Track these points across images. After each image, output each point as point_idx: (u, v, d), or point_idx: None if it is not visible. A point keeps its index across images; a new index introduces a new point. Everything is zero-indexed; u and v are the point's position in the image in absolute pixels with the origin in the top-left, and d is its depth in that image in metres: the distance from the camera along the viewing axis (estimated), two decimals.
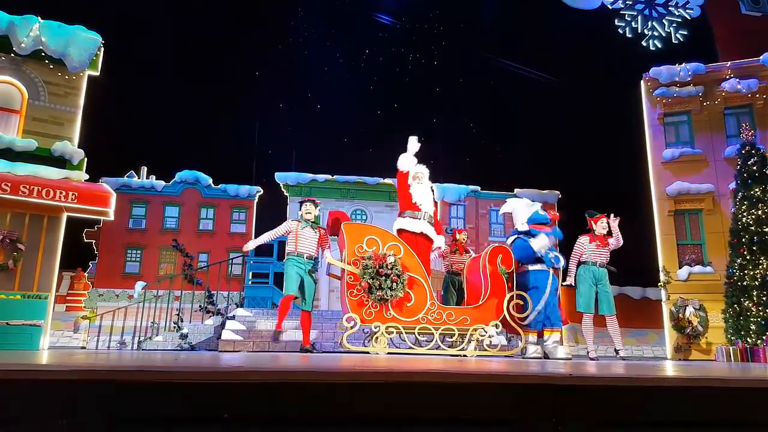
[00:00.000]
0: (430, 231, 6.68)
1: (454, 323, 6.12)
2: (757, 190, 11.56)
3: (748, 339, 10.86)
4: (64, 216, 9.96)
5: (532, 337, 6.51)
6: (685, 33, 16.31)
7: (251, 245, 6.95)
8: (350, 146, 22.50)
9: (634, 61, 15.76)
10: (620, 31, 16.43)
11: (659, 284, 13.94)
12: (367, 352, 5.97)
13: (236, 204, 20.97)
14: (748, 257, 11.24)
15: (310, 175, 20.69)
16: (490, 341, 6.23)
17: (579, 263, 7.09)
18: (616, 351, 7.13)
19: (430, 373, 1.59)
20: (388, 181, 20.70)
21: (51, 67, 10.26)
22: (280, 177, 20.60)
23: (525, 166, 20.99)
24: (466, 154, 22.06)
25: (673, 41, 16.24)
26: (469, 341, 6.15)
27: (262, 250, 10.69)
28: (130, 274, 19.30)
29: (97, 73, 10.81)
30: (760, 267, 11.07)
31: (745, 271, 11.21)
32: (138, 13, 18.64)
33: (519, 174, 20.80)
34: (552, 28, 18.03)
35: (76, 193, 9.57)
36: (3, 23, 9.82)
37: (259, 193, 21.09)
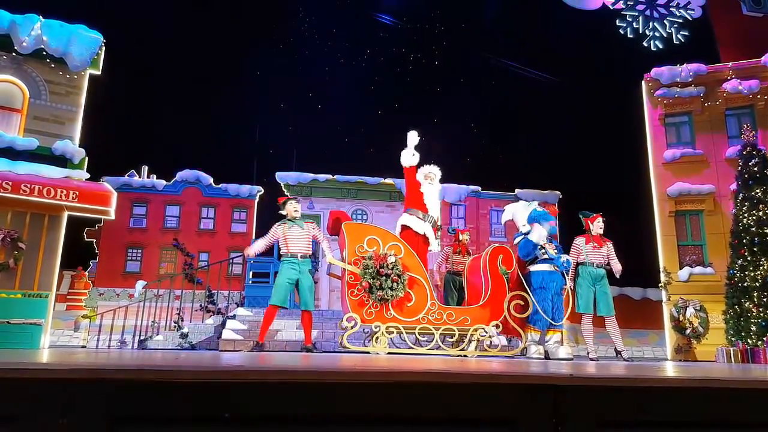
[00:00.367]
0: (431, 235, 6.70)
1: (454, 323, 6.12)
2: (758, 191, 11.55)
3: (749, 340, 10.86)
4: (65, 215, 9.97)
5: (533, 336, 6.51)
6: (687, 33, 16.30)
7: (251, 252, 6.83)
8: (351, 146, 22.53)
9: (635, 61, 15.76)
10: (621, 31, 16.42)
11: (660, 285, 13.94)
12: (368, 352, 5.97)
13: (237, 203, 20.98)
14: (748, 258, 11.23)
15: (311, 175, 20.70)
16: (491, 341, 6.23)
17: (577, 264, 7.09)
18: (617, 352, 7.11)
19: (431, 373, 1.59)
20: (388, 181, 20.72)
21: (52, 66, 10.27)
22: (281, 177, 20.62)
23: (526, 166, 21.00)
24: (466, 154, 22.06)
25: (675, 42, 16.22)
26: (470, 341, 6.15)
27: (263, 251, 10.68)
28: (130, 273, 19.31)
29: (99, 73, 10.82)
30: (761, 268, 11.06)
31: (746, 272, 11.20)
32: (139, 12, 18.65)
33: (519, 174, 20.81)
34: (553, 29, 18.02)
35: (77, 192, 9.57)
36: (4, 22, 9.83)
37: (260, 193, 21.11)
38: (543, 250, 6.53)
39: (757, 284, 11.00)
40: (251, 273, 10.78)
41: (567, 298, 6.75)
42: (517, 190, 21.04)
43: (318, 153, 21.69)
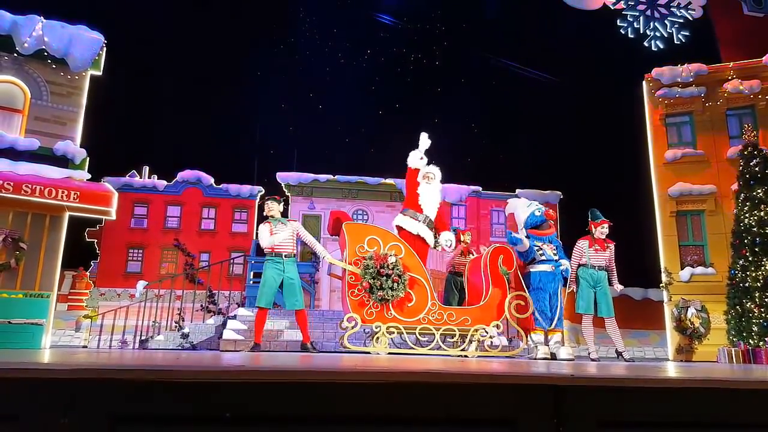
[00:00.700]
0: (427, 235, 6.67)
1: (455, 324, 6.12)
2: (759, 191, 11.53)
3: (750, 341, 10.84)
4: (66, 215, 9.98)
5: (537, 337, 6.49)
6: (687, 34, 16.28)
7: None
8: (351, 146, 22.55)
9: (635, 61, 15.75)
10: (622, 31, 16.41)
11: (661, 285, 13.92)
12: (368, 353, 5.97)
13: (238, 204, 20.98)
14: (750, 258, 11.22)
15: (312, 175, 20.70)
16: (491, 342, 6.23)
17: (578, 266, 7.10)
18: (618, 353, 7.12)
19: (431, 373, 1.59)
20: (389, 181, 20.71)
21: (54, 66, 10.28)
22: (281, 177, 20.62)
23: (526, 166, 20.99)
24: (467, 154, 22.06)
25: (675, 42, 16.20)
26: (470, 342, 6.15)
27: (263, 250, 10.69)
28: (131, 273, 19.32)
29: (100, 73, 10.83)
30: (763, 268, 11.04)
31: (747, 273, 11.18)
32: (140, 13, 18.67)
33: (520, 174, 20.80)
34: (553, 29, 18.02)
35: (78, 193, 9.58)
36: (6, 23, 9.84)
37: (261, 193, 21.11)
38: (540, 251, 6.54)
39: (759, 284, 10.99)
40: (252, 273, 10.78)
41: (567, 300, 6.76)
42: (517, 191, 21.00)
43: (319, 153, 21.72)
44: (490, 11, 20.22)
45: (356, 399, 1.47)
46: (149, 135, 21.52)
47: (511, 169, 21.31)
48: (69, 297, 17.79)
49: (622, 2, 16.46)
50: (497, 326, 6.23)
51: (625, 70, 15.70)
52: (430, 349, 6.07)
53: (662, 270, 13.91)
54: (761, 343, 10.66)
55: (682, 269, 13.75)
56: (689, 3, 16.29)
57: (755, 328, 10.85)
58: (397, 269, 5.93)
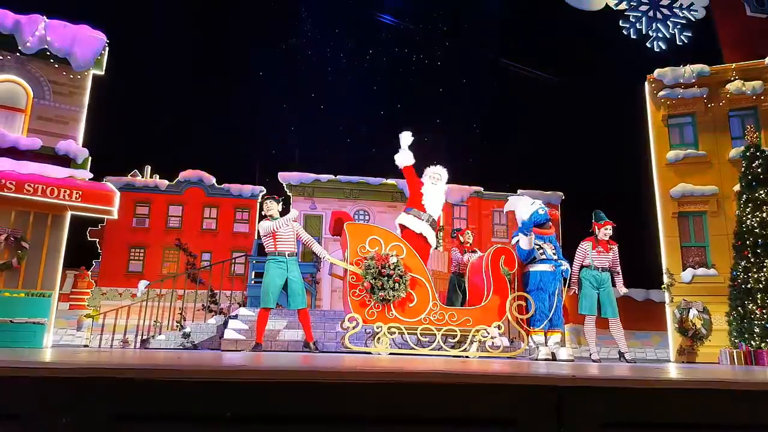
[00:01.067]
0: (429, 235, 6.67)
1: (456, 324, 6.12)
2: (761, 192, 11.51)
3: (752, 342, 10.82)
4: (68, 215, 10.00)
5: (538, 337, 6.49)
6: (690, 34, 16.26)
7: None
8: (353, 146, 22.53)
9: (638, 62, 15.73)
10: (624, 32, 16.39)
11: (663, 286, 13.91)
12: (370, 353, 5.96)
13: (239, 204, 20.99)
14: (752, 260, 11.19)
15: (313, 175, 20.70)
16: (493, 342, 6.22)
17: (581, 267, 7.10)
18: (621, 354, 7.12)
19: (433, 373, 1.59)
20: (391, 181, 20.70)
21: (56, 66, 10.30)
22: (283, 177, 20.63)
23: (528, 167, 20.96)
24: (468, 154, 22.05)
25: (678, 43, 16.18)
26: (472, 342, 6.15)
27: (265, 250, 10.69)
28: (133, 272, 19.33)
29: (102, 73, 10.85)
30: (765, 270, 11.02)
31: (750, 274, 11.16)
32: (142, 12, 18.70)
33: (522, 175, 20.77)
34: (556, 29, 18.00)
35: (81, 192, 9.60)
36: (8, 22, 9.86)
37: (263, 193, 21.11)
38: (541, 250, 6.54)
39: (761, 286, 10.96)
40: (253, 273, 10.78)
41: (566, 301, 6.75)
42: (519, 191, 20.98)
43: (320, 153, 21.71)
44: (491, 12, 20.20)
45: (357, 399, 1.47)
46: (151, 135, 21.54)
47: (512, 170, 21.29)
48: (71, 296, 17.80)
49: (625, 3, 16.44)
50: (498, 327, 6.22)
51: (628, 71, 15.68)
52: (431, 350, 6.07)
53: (664, 271, 13.90)
54: (763, 344, 10.64)
55: (683, 270, 13.73)
56: (692, 4, 16.27)
57: (757, 330, 10.82)
58: (399, 269, 5.93)
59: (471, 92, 23.01)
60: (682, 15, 16.33)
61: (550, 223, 6.82)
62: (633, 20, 16.45)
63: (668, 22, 16.31)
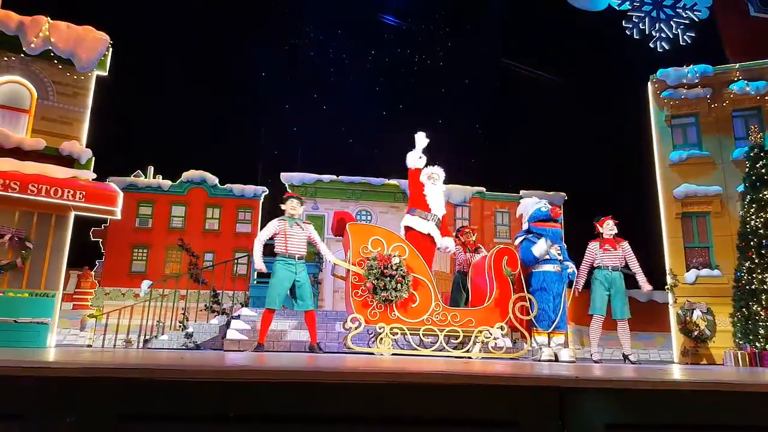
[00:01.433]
0: (436, 234, 6.67)
1: (459, 325, 6.11)
2: (765, 192, 11.47)
3: (757, 343, 10.78)
4: (72, 215, 10.02)
5: (542, 338, 6.47)
6: (693, 35, 16.22)
7: (258, 262, 6.59)
8: (355, 147, 22.53)
9: (641, 62, 15.70)
10: (627, 32, 16.36)
11: (666, 287, 13.86)
12: (372, 353, 5.96)
13: (242, 204, 21.01)
14: (756, 261, 11.15)
15: (315, 176, 20.70)
16: (495, 343, 6.22)
17: (592, 268, 7.10)
18: (625, 357, 7.12)
19: (435, 374, 1.59)
20: (393, 181, 20.70)
21: (60, 67, 10.33)
22: (285, 177, 20.64)
23: (531, 167, 20.93)
24: (471, 155, 22.04)
25: (681, 43, 16.14)
26: (474, 343, 6.14)
27: (268, 250, 10.71)
28: (136, 272, 19.37)
29: (106, 73, 10.88)
30: None
31: (754, 275, 11.12)
32: (146, 13, 18.74)
33: (525, 175, 20.74)
34: (558, 30, 17.98)
35: (84, 192, 9.62)
36: (13, 23, 9.89)
37: (265, 193, 21.14)
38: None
39: (765, 287, 10.92)
40: (256, 273, 10.79)
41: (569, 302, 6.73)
42: (522, 192, 20.97)
43: (322, 153, 21.72)
44: (494, 12, 20.18)
45: (359, 400, 1.47)
46: (154, 135, 21.58)
47: (515, 170, 21.26)
48: (74, 296, 17.85)
49: (627, 3, 16.41)
50: (501, 328, 6.21)
51: (630, 71, 15.65)
52: (433, 351, 6.06)
53: (667, 272, 13.86)
54: (767, 345, 10.60)
55: (687, 271, 13.69)
56: (695, 4, 16.23)
57: (762, 331, 10.78)
58: (401, 270, 5.92)
59: (473, 93, 22.99)
60: (685, 15, 16.29)
61: (555, 222, 6.78)
62: (636, 20, 16.42)
63: (671, 22, 16.28)
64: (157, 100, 20.54)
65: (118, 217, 10.61)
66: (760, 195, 11.49)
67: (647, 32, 16.27)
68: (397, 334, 5.98)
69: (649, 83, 15.16)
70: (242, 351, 7.51)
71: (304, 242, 6.58)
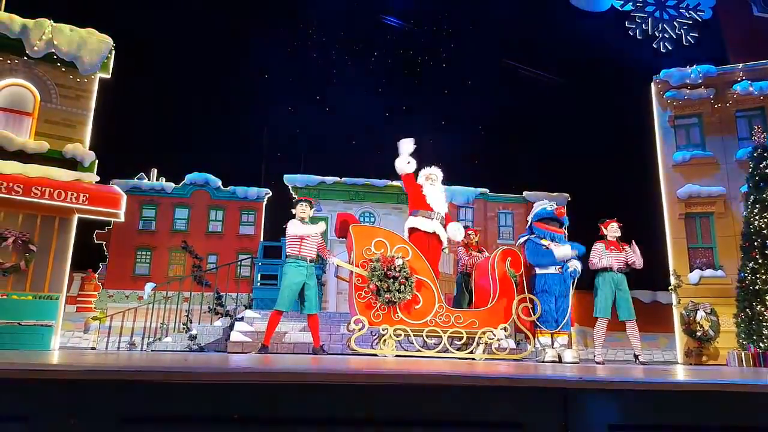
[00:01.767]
0: (441, 232, 6.65)
1: (462, 326, 6.10)
2: None
3: (761, 344, 10.74)
4: (75, 217, 10.05)
5: (545, 340, 6.46)
6: (696, 35, 16.19)
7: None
8: (358, 148, 22.53)
9: (644, 63, 15.68)
10: (630, 33, 16.34)
11: (670, 288, 13.83)
12: (375, 355, 5.96)
13: (245, 206, 21.05)
14: (760, 261, 11.12)
15: (319, 177, 20.73)
16: (499, 344, 6.21)
17: (598, 270, 7.10)
18: (636, 357, 7.12)
19: (439, 375, 1.59)
20: (396, 183, 20.69)
21: (63, 69, 10.37)
22: (288, 179, 20.67)
23: (534, 168, 20.91)
24: (474, 156, 22.03)
25: (684, 43, 16.12)
26: (478, 344, 6.13)
27: (271, 252, 10.73)
28: (139, 275, 19.43)
29: (108, 76, 10.92)
30: None
31: (757, 276, 11.08)
32: (148, 16, 18.80)
33: (528, 177, 20.74)
34: (561, 31, 17.97)
35: (87, 195, 9.65)
36: (16, 27, 9.94)
37: (268, 195, 21.17)
38: (548, 249, 6.50)
39: None
40: (259, 275, 10.80)
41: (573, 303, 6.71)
42: (525, 193, 20.97)
43: (325, 155, 21.75)
44: (497, 13, 20.18)
45: (363, 401, 1.47)
46: (157, 137, 21.65)
47: (518, 172, 21.26)
48: (78, 299, 17.92)
49: (631, 4, 16.39)
50: (504, 329, 6.20)
51: (634, 72, 15.63)
52: (437, 352, 6.06)
53: (671, 273, 13.82)
54: None
55: (691, 272, 13.66)
56: (698, 4, 16.21)
57: (765, 332, 10.74)
58: (404, 271, 5.92)
59: (476, 94, 22.99)
60: (688, 15, 16.27)
61: (560, 222, 6.77)
62: (639, 21, 16.40)
63: (674, 23, 16.25)
64: (160, 103, 20.60)
65: (122, 219, 10.64)
66: (764, 195, 11.46)
67: (650, 32, 16.25)
68: (400, 335, 5.97)
69: (652, 84, 15.14)
70: (246, 353, 7.52)
71: (316, 245, 6.62)
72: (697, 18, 16.27)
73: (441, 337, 6.04)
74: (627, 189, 16.52)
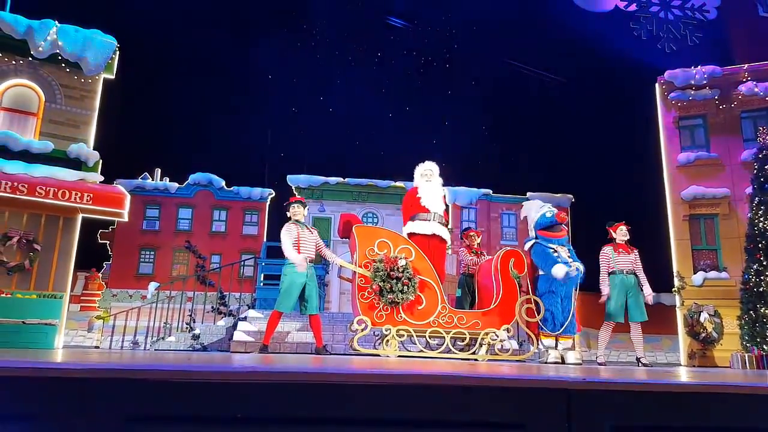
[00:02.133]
0: (442, 231, 6.63)
1: (465, 327, 6.10)
2: None
3: (764, 346, 10.70)
4: (80, 217, 10.09)
5: (548, 341, 6.45)
6: (701, 35, 16.13)
7: (298, 258, 6.41)
8: (362, 149, 22.53)
9: (648, 63, 15.63)
10: (635, 33, 16.29)
11: (673, 290, 13.78)
12: (378, 355, 5.96)
13: (248, 206, 21.09)
14: (764, 263, 11.07)
15: (322, 178, 20.75)
16: (502, 345, 6.20)
17: (608, 273, 7.12)
18: (638, 359, 7.13)
19: (442, 376, 1.59)
20: (399, 184, 20.71)
21: (67, 70, 10.41)
22: (291, 179, 20.70)
23: (538, 169, 20.88)
24: (477, 157, 22.00)
25: (689, 44, 16.06)
26: (481, 345, 6.13)
27: (274, 253, 10.74)
28: (143, 274, 19.47)
29: (113, 77, 10.95)
30: None
31: (762, 277, 11.04)
32: (153, 17, 18.84)
33: (531, 177, 20.70)
34: (565, 31, 17.94)
35: (91, 195, 9.68)
36: (21, 27, 9.98)
37: (271, 196, 21.21)
38: (556, 254, 6.48)
39: None
40: (263, 275, 10.83)
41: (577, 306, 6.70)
42: (528, 194, 20.93)
43: (329, 156, 21.76)
44: (500, 14, 20.15)
45: (366, 401, 1.47)
46: (161, 138, 21.70)
47: (522, 172, 21.23)
48: (81, 298, 17.96)
49: (635, 4, 16.35)
50: (507, 330, 6.20)
51: (638, 73, 15.58)
52: (440, 353, 6.06)
53: (675, 274, 13.78)
54: None
55: (694, 273, 13.61)
56: (703, 4, 16.15)
57: None
58: (407, 272, 5.92)
59: (480, 94, 22.96)
60: (693, 16, 16.21)
61: (563, 226, 6.75)
62: (643, 21, 16.35)
63: (679, 23, 16.20)
64: (164, 103, 20.65)
65: (126, 219, 10.67)
66: None
67: (655, 33, 16.20)
68: (403, 336, 5.97)
69: (656, 84, 15.10)
70: (249, 352, 7.53)
71: (314, 245, 6.63)
72: (702, 18, 16.22)
73: (444, 337, 6.04)
74: (631, 190, 16.47)
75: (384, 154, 20.78)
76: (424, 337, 6.08)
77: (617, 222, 7.33)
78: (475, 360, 5.90)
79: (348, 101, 21.39)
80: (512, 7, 19.59)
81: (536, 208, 6.91)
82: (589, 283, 7.13)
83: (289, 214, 6.79)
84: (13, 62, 10.07)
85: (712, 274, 13.43)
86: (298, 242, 6.53)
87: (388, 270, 5.88)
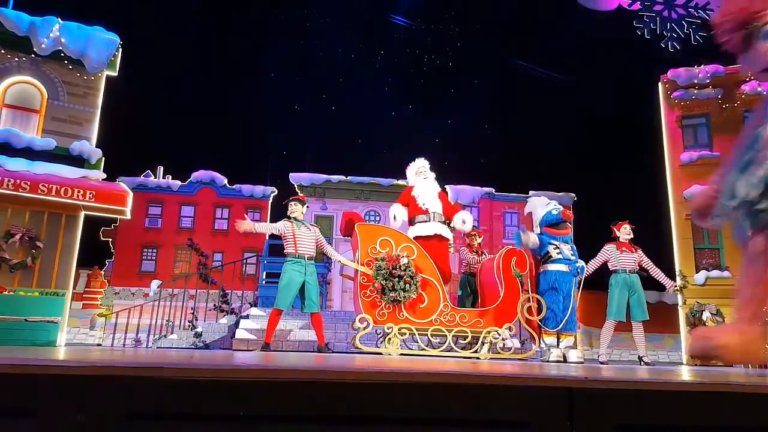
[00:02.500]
0: (443, 230, 6.62)
1: (467, 325, 6.10)
2: None
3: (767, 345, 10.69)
4: (82, 214, 10.10)
5: (550, 339, 6.45)
6: (705, 34, 16.07)
7: (249, 226, 6.64)
8: (364, 147, 22.58)
9: (651, 62, 15.60)
10: (638, 32, 16.24)
11: (675, 289, 13.76)
12: (380, 353, 5.96)
13: (251, 204, 21.11)
14: None
15: (324, 176, 20.76)
16: (504, 344, 6.20)
17: (610, 272, 7.12)
18: (640, 358, 7.14)
19: (443, 374, 1.59)
20: (401, 182, 20.68)
21: (70, 67, 10.42)
22: (294, 178, 20.71)
23: (540, 168, 20.87)
24: (480, 155, 22.00)
25: (693, 43, 16.01)
26: (483, 344, 6.13)
27: (276, 250, 10.75)
28: (145, 272, 19.51)
29: (115, 74, 10.96)
30: None
31: None
32: (156, 14, 18.86)
33: (534, 176, 20.69)
34: (568, 30, 17.89)
35: (94, 192, 9.70)
36: (24, 24, 9.99)
37: (274, 194, 21.23)
38: (558, 250, 6.48)
39: None
40: (265, 273, 10.84)
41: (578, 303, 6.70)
42: (531, 192, 20.92)
43: (331, 154, 21.79)
44: (503, 12, 20.12)
45: (368, 400, 1.47)
46: (164, 135, 21.75)
47: (524, 171, 21.22)
48: (84, 295, 18.01)
49: (639, 3, 16.29)
50: (509, 328, 6.20)
51: (641, 72, 15.56)
52: (442, 351, 6.06)
53: (677, 273, 13.76)
54: None
55: (697, 272, 13.59)
56: (707, 3, 16.08)
57: None
58: (410, 270, 5.92)
59: (482, 93, 22.95)
60: (697, 15, 16.15)
61: (567, 224, 6.76)
62: (647, 20, 16.29)
63: (683, 22, 16.14)
64: (167, 101, 20.68)
65: (128, 216, 10.68)
66: None
67: (658, 32, 16.14)
68: (405, 334, 5.98)
69: (659, 83, 15.06)
70: (251, 350, 7.54)
71: (314, 243, 6.64)
72: (706, 17, 16.15)
73: (446, 336, 6.04)
74: (633, 189, 16.46)
75: (386, 152, 20.80)
76: (426, 335, 6.08)
77: (621, 221, 7.35)
78: (477, 358, 5.90)
79: (351, 99, 21.40)
80: (515, 5, 19.56)
81: (542, 204, 6.91)
82: (591, 282, 7.13)
83: (288, 213, 6.84)
84: (16, 59, 10.08)
85: (715, 273, 13.41)
86: (294, 239, 6.53)
87: (390, 268, 5.89)
